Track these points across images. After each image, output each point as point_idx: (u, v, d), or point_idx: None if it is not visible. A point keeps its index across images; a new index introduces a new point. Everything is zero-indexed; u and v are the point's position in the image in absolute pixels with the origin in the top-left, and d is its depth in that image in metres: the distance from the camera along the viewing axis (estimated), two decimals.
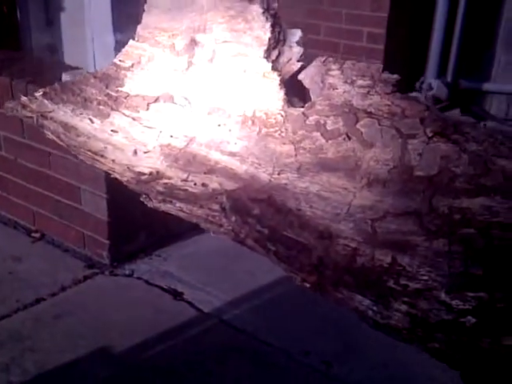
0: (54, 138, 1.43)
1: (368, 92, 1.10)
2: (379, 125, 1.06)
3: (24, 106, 1.50)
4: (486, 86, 3.88)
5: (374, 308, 0.93)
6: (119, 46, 2.03)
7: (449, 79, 3.83)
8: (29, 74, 2.22)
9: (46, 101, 1.48)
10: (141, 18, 1.58)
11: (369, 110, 1.08)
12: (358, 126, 1.08)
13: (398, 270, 0.95)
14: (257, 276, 2.08)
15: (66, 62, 2.97)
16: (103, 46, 2.14)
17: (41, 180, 2.25)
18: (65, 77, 2.20)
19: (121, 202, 2.02)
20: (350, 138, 1.09)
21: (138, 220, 2.14)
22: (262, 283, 2.08)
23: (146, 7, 1.56)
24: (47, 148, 2.07)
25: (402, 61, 3.72)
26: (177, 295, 2.04)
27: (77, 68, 2.31)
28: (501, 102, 3.90)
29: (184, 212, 1.19)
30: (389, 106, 1.07)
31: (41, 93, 1.50)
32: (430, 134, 1.01)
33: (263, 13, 1.31)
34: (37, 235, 2.39)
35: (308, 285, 0.99)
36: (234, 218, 1.10)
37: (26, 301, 1.99)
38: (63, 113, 1.46)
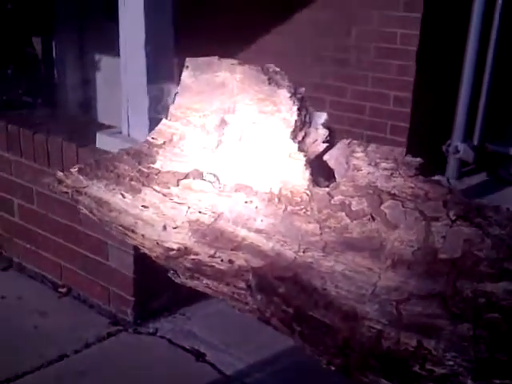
0: (87, 213, 1.48)
1: (391, 174, 1.13)
2: (403, 207, 1.08)
3: (60, 182, 1.56)
4: None
5: None
6: (152, 107, 2.13)
7: (475, 142, 3.85)
8: (64, 132, 2.31)
9: (81, 176, 1.55)
10: (173, 93, 1.66)
11: (392, 192, 1.11)
12: (382, 207, 1.11)
13: (424, 354, 0.95)
14: (280, 338, 2.06)
15: (100, 121, 3.09)
16: (137, 106, 2.24)
17: (70, 235, 2.30)
18: (99, 135, 2.29)
19: (147, 259, 2.04)
20: (374, 219, 1.11)
21: (163, 277, 2.15)
22: (285, 346, 2.05)
23: (179, 89, 1.65)
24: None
25: (428, 124, 3.76)
26: (199, 356, 2.03)
27: (111, 127, 2.41)
28: None
29: (211, 289, 1.22)
30: (412, 188, 1.10)
31: (76, 169, 1.57)
32: (453, 217, 1.03)
33: (290, 97, 1.38)
34: (63, 290, 2.42)
35: (333, 367, 0.99)
36: (259, 297, 1.12)
37: (49, 357, 2.00)
38: (97, 188, 1.52)
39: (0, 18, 2.99)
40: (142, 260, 2.03)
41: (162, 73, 2.09)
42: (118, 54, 2.30)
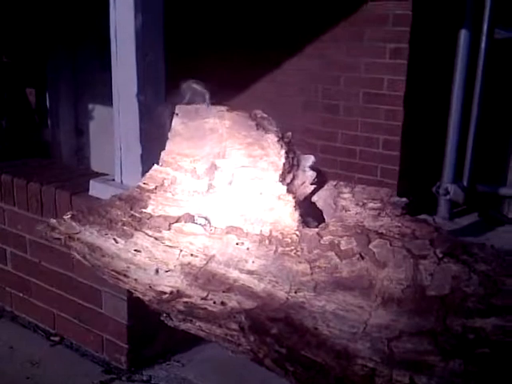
0: (80, 259, 1.49)
1: (379, 214, 1.16)
2: (391, 245, 1.11)
3: (53, 228, 1.58)
4: (503, 191, 3.95)
5: None
6: (145, 155, 2.16)
7: (465, 183, 3.91)
8: (58, 181, 2.32)
9: (73, 223, 1.56)
10: (165, 139, 1.69)
11: (380, 231, 1.14)
12: (370, 246, 1.13)
13: None
14: (276, 382, 2.03)
15: (93, 169, 3.10)
16: (130, 154, 2.26)
17: (63, 283, 2.28)
18: (92, 183, 2.30)
19: (141, 305, 2.03)
20: (363, 258, 1.13)
21: (157, 324, 2.13)
22: None
23: (169, 135, 1.68)
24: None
25: (418, 166, 3.83)
26: None
27: (104, 174, 2.43)
28: None
29: (203, 331, 1.22)
30: (399, 227, 1.12)
31: (69, 215, 1.58)
32: (440, 255, 1.05)
33: (278, 141, 1.41)
34: (56, 339, 2.38)
35: None
36: (252, 338, 1.12)
37: None
38: (89, 234, 1.53)
39: None
40: (135, 307, 2.02)
41: (155, 121, 2.13)
42: (110, 104, 2.35)
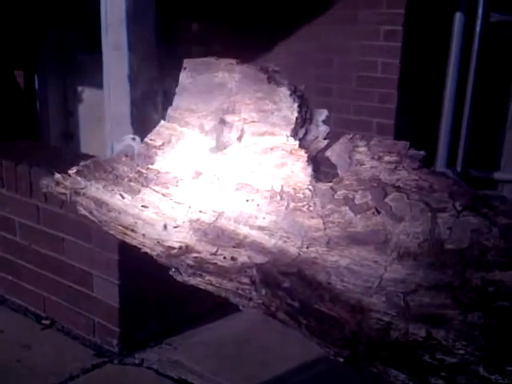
0: (86, 214, 1.46)
1: (395, 167, 1.13)
2: (408, 199, 1.08)
3: (58, 183, 1.55)
4: (497, 175, 3.94)
5: (411, 383, 0.91)
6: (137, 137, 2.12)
7: (458, 169, 3.90)
8: (46, 163, 2.28)
9: (79, 178, 1.53)
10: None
11: (397, 185, 1.11)
12: (386, 200, 1.10)
13: (434, 344, 0.94)
14: (269, 366, 2.03)
15: (82, 152, 3.06)
16: (121, 135, 2.22)
17: (53, 266, 2.26)
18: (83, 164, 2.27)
19: (133, 289, 2.02)
20: (379, 212, 1.11)
21: (149, 307, 2.13)
22: (274, 374, 2.03)
23: (177, 90, 1.64)
24: (61, 234, 2.10)
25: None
26: None
27: (93, 156, 2.39)
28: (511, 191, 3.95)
29: (213, 285, 1.20)
30: (416, 180, 1.09)
31: (74, 170, 1.56)
32: (460, 208, 1.02)
33: (290, 94, 1.38)
34: (47, 322, 2.37)
35: (341, 359, 0.98)
36: (264, 292, 1.10)
37: None
38: (95, 189, 1.51)
39: None
40: (127, 290, 2.01)
41: (147, 102, 2.09)
42: (100, 86, 2.30)
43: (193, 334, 2.26)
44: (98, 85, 2.41)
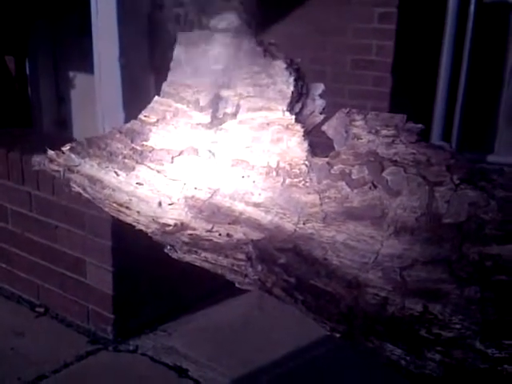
0: (80, 191, 1.45)
1: (392, 141, 1.11)
2: (405, 173, 1.06)
3: (51, 160, 1.53)
4: (491, 158, 3.92)
5: (407, 358, 0.91)
6: (128, 121, 2.09)
7: None
8: (39, 150, 2.23)
9: (72, 155, 1.51)
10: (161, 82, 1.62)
11: (394, 159, 1.09)
12: (383, 174, 1.09)
13: (430, 318, 0.93)
14: (264, 352, 2.03)
15: (75, 137, 3.02)
16: (113, 121, 2.19)
17: (46, 253, 2.24)
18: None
19: (127, 276, 2.01)
20: (375, 187, 1.09)
21: (143, 294, 2.12)
22: (270, 359, 2.03)
23: (171, 65, 1.61)
24: (54, 221, 2.08)
25: None
26: (182, 372, 1.97)
27: None
28: None
29: (209, 262, 1.19)
30: (414, 154, 1.08)
31: (68, 147, 1.54)
32: (457, 181, 1.01)
33: (286, 68, 1.35)
34: (40, 310, 2.36)
35: (338, 334, 0.97)
36: (260, 268, 1.09)
37: (27, 378, 1.93)
38: (89, 166, 1.49)
39: None
40: (121, 277, 1.99)
41: (138, 86, 2.06)
42: (92, 71, 2.25)
43: (188, 320, 2.25)
44: (90, 70, 2.37)
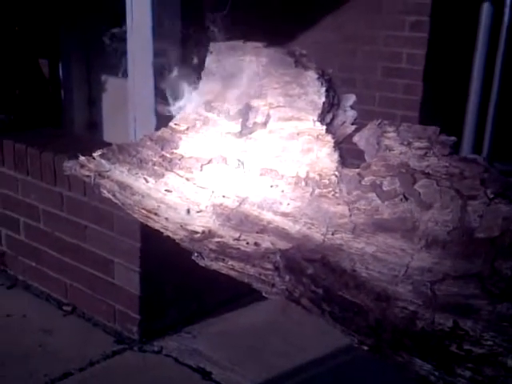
0: (110, 197, 1.46)
1: (425, 154, 1.10)
2: (438, 186, 1.05)
3: (82, 166, 1.55)
4: None
5: (436, 373, 0.89)
6: (160, 126, 2.11)
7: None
8: (70, 151, 2.26)
9: (103, 161, 1.53)
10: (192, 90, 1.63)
11: (426, 171, 1.08)
12: (415, 186, 1.08)
13: (461, 334, 0.91)
14: (288, 356, 2.02)
15: (106, 140, 3.05)
16: (144, 125, 2.22)
17: (76, 253, 2.27)
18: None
19: (153, 277, 2.02)
20: (407, 199, 1.08)
21: (169, 296, 2.13)
22: (293, 364, 2.01)
23: (202, 74, 1.63)
24: (84, 221, 2.10)
25: None
26: (205, 375, 1.97)
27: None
28: None
29: (236, 271, 1.19)
30: (447, 167, 1.06)
31: (99, 153, 1.55)
32: (491, 196, 0.99)
33: (318, 78, 1.35)
34: (68, 308, 2.39)
35: (366, 347, 0.96)
36: (287, 278, 1.09)
37: (54, 375, 1.96)
38: (119, 172, 1.50)
39: (8, 40, 3.01)
40: (148, 278, 2.01)
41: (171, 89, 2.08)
42: (124, 75, 2.29)
43: (212, 323, 2.25)
44: (122, 73, 2.41)
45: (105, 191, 1.48)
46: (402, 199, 1.09)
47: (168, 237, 1.36)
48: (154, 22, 2.09)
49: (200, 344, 2.17)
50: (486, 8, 3.52)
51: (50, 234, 2.37)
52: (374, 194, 1.14)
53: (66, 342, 2.19)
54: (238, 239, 1.27)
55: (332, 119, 1.32)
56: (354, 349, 1.96)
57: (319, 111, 1.33)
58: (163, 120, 2.05)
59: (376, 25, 3.62)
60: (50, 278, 2.46)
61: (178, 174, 1.50)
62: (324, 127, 1.31)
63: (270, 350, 2.03)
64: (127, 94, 2.29)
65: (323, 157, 1.29)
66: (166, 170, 1.52)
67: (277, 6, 3.87)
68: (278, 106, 1.45)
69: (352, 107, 1.31)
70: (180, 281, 2.08)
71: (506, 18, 3.52)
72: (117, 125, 3.21)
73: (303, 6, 3.83)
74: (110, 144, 2.51)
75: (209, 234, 1.31)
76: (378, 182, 1.13)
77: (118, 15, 2.38)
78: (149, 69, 2.14)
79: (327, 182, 1.25)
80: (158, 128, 2.16)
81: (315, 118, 1.33)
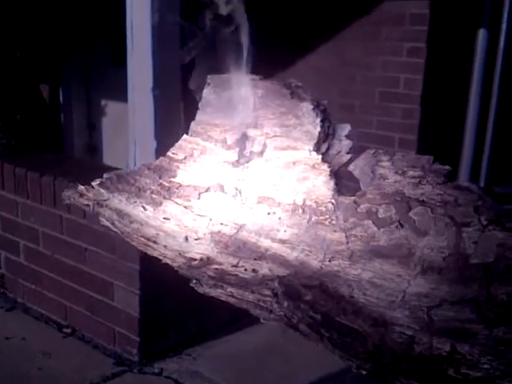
0: (109, 225, 1.48)
1: (419, 182, 1.13)
2: (432, 213, 1.07)
3: (81, 195, 1.57)
4: None
5: None
6: (160, 149, 2.13)
7: (482, 184, 3.87)
8: (71, 174, 2.28)
9: (102, 190, 1.55)
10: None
11: (421, 199, 1.11)
12: (410, 214, 1.10)
13: (458, 358, 0.93)
14: (288, 378, 2.02)
15: (105, 164, 3.07)
16: (145, 149, 2.24)
17: (75, 275, 2.26)
18: (106, 177, 2.29)
19: (153, 300, 2.02)
20: (402, 226, 1.10)
21: (169, 318, 2.13)
22: None
23: (200, 105, 1.66)
24: (84, 244, 2.11)
25: None
26: None
27: (117, 169, 2.41)
28: None
29: (235, 297, 1.20)
30: (441, 195, 1.09)
31: (98, 182, 1.57)
32: (485, 222, 1.02)
33: (313, 109, 1.39)
34: (68, 330, 2.37)
35: (364, 372, 0.97)
36: (286, 304, 1.10)
37: None
38: (118, 201, 1.52)
39: (9, 66, 3.06)
40: (148, 300, 2.01)
41: (170, 116, 2.12)
42: (123, 99, 2.32)
43: (212, 345, 2.24)
44: (122, 98, 2.44)
45: (103, 219, 1.49)
46: (397, 226, 1.11)
47: (167, 264, 1.37)
48: (154, 46, 2.13)
49: (200, 366, 2.16)
50: (481, 34, 3.60)
51: (50, 257, 2.36)
52: (370, 221, 1.16)
53: (66, 364, 2.17)
54: (236, 266, 1.28)
55: (328, 149, 1.35)
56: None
57: (315, 141, 1.36)
58: (163, 145, 2.08)
59: (374, 51, 3.70)
60: (50, 300, 2.45)
61: (176, 202, 1.52)
62: (320, 156, 1.34)
63: (271, 372, 2.02)
64: (127, 118, 2.32)
65: (319, 185, 1.32)
66: (164, 198, 1.54)
67: (276, 33, 3.94)
68: (274, 136, 1.48)
69: (347, 137, 1.34)
70: (180, 303, 2.07)
71: (501, 44, 3.59)
72: (117, 148, 3.23)
73: (302, 32, 3.89)
74: (109, 168, 2.54)
75: (207, 261, 1.32)
76: (374, 210, 1.16)
77: (119, 40, 2.42)
78: (149, 93, 2.18)
79: (324, 209, 1.27)
80: (158, 151, 2.18)
81: (311, 148, 1.37)
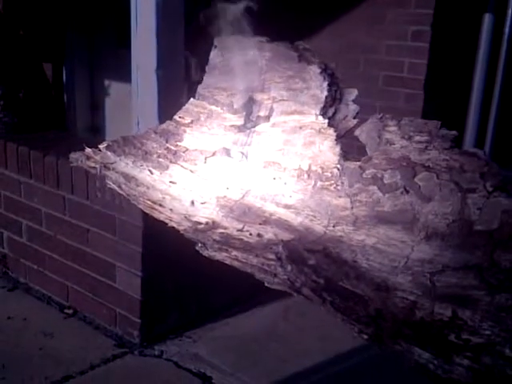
0: (115, 188, 1.48)
1: (426, 147, 1.12)
2: (438, 179, 1.07)
3: (88, 157, 1.57)
4: None
5: (435, 362, 0.91)
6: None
7: None
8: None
9: (109, 153, 1.55)
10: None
11: (427, 165, 1.10)
12: (415, 179, 1.10)
13: (459, 324, 0.93)
14: (288, 362, 2.02)
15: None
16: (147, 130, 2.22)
17: (77, 256, 2.27)
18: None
19: (155, 282, 2.03)
20: (407, 192, 1.10)
21: (170, 300, 2.14)
22: (294, 370, 2.02)
23: (207, 68, 1.64)
24: (86, 225, 2.11)
25: None
26: (206, 380, 1.97)
27: None
28: None
29: (239, 261, 1.20)
30: (447, 160, 1.08)
31: (105, 145, 1.57)
32: (490, 189, 1.01)
33: (321, 72, 1.37)
34: (69, 311, 2.39)
35: (365, 336, 0.98)
36: (289, 268, 1.11)
37: (54, 378, 1.96)
38: (124, 164, 1.52)
39: (12, 44, 3.02)
40: (150, 282, 2.02)
41: (173, 96, 2.09)
42: (126, 79, 2.29)
43: (213, 327, 2.26)
44: (125, 78, 2.41)
45: (110, 182, 1.50)
46: (402, 192, 1.10)
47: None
48: (158, 26, 2.10)
49: (201, 348, 2.17)
50: (487, 18, 3.55)
51: (52, 238, 2.37)
52: (376, 187, 1.15)
53: (67, 345, 2.19)
54: (241, 230, 1.29)
55: (334, 113, 1.33)
56: (355, 355, 1.97)
57: (321, 105, 1.35)
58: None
59: (378, 34, 3.65)
60: (52, 280, 2.46)
61: (182, 166, 1.52)
62: (326, 121, 1.33)
63: (272, 356, 2.03)
64: (131, 99, 2.30)
65: (325, 150, 1.31)
66: (171, 162, 1.54)
67: (279, 14, 3.87)
68: (281, 100, 1.46)
69: (354, 101, 1.33)
70: (181, 285, 2.09)
71: (507, 29, 3.54)
72: (119, 129, 3.22)
73: (305, 15, 3.83)
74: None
75: (212, 225, 1.33)
76: (379, 175, 1.15)
77: (123, 20, 2.39)
78: (152, 73, 2.15)
79: (329, 174, 1.27)
80: None
81: (317, 112, 1.35)
